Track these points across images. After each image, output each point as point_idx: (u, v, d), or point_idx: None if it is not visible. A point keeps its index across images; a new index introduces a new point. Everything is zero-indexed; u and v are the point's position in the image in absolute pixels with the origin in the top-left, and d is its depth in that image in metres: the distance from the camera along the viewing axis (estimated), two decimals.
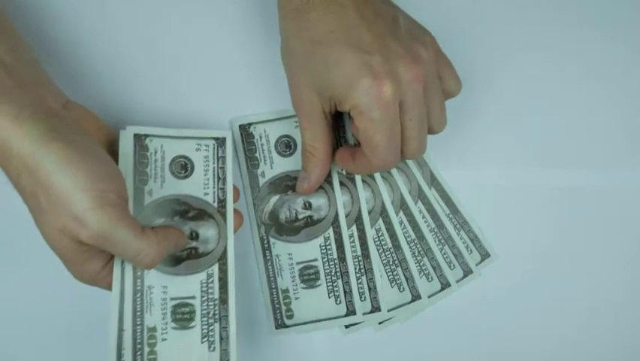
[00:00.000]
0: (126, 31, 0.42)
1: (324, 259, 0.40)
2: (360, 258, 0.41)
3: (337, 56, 0.33)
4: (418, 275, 0.42)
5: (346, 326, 0.41)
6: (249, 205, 0.41)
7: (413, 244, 0.42)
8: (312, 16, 0.34)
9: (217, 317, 0.36)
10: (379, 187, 0.42)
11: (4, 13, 0.35)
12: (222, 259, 0.37)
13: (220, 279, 0.36)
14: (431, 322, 0.42)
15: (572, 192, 0.43)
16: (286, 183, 0.41)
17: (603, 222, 0.43)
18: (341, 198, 0.41)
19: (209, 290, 0.36)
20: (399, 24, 0.35)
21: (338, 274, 0.40)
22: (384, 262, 0.42)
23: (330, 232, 0.40)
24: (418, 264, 0.42)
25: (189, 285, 0.36)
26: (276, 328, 0.40)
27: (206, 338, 0.35)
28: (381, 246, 0.42)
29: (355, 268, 0.41)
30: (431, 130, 0.37)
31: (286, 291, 0.40)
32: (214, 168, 0.38)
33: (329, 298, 0.40)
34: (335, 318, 0.40)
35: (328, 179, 0.41)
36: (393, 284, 0.42)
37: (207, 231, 0.37)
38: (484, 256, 0.43)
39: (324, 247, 0.40)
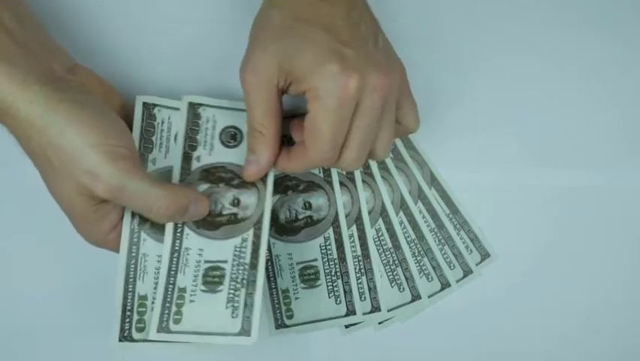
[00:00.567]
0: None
1: (324, 259, 0.40)
2: (360, 258, 0.41)
3: (316, 35, 0.32)
4: (418, 275, 0.42)
5: (346, 326, 0.41)
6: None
7: (413, 244, 0.42)
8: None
9: (245, 282, 0.36)
10: (379, 187, 0.42)
11: None
12: (258, 224, 0.37)
13: (253, 243, 0.36)
14: (431, 322, 0.42)
15: (572, 192, 0.43)
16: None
17: (603, 222, 0.43)
18: (341, 198, 0.41)
19: (242, 254, 0.36)
20: (378, 39, 0.35)
21: (338, 273, 0.40)
22: (384, 262, 0.42)
23: (330, 232, 0.40)
24: (418, 264, 0.42)
25: (224, 249, 0.36)
26: (276, 328, 0.40)
27: (230, 304, 0.36)
28: (381, 246, 0.42)
29: (355, 268, 0.41)
30: (372, 154, 0.36)
31: (286, 291, 0.40)
32: None
33: (329, 298, 0.40)
34: (335, 318, 0.40)
35: (327, 179, 0.41)
36: (393, 284, 0.42)
37: (249, 198, 0.37)
38: (484, 256, 0.43)
39: (324, 247, 0.40)
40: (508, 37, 0.45)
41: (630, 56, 0.45)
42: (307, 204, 0.41)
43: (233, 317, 0.36)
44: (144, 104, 0.38)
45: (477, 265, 0.43)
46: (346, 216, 0.41)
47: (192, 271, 0.36)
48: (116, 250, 0.35)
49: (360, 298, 0.40)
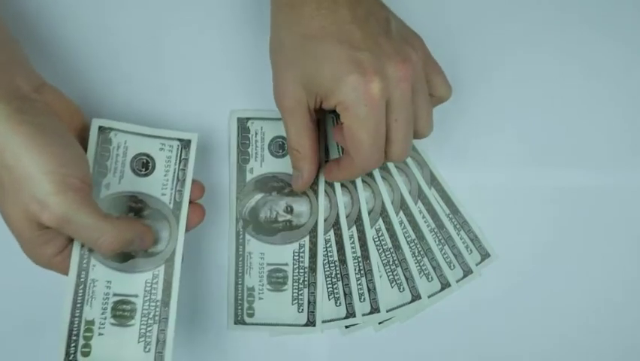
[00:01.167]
0: (115, 18, 0.42)
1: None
2: (359, 259, 0.41)
3: (327, 51, 0.33)
4: (418, 275, 0.42)
5: (346, 327, 0.41)
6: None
7: (413, 244, 0.42)
8: (304, 10, 0.34)
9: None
10: (379, 187, 0.42)
11: None
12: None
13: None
14: (431, 322, 0.42)
15: (572, 192, 0.43)
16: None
17: (603, 222, 0.43)
18: (342, 199, 0.41)
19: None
20: (390, 25, 0.35)
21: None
22: (384, 262, 0.42)
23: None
24: (418, 264, 0.42)
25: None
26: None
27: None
28: (381, 246, 0.42)
29: (355, 270, 0.41)
30: (417, 134, 0.36)
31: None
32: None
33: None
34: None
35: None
36: (393, 284, 0.42)
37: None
38: (484, 256, 0.43)
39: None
40: (509, 37, 0.45)
41: (631, 55, 0.45)
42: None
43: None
44: (100, 128, 0.37)
45: (477, 265, 0.43)
46: (347, 217, 0.41)
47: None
48: (62, 272, 0.35)
49: (360, 299, 0.40)
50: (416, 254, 0.42)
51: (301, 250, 0.40)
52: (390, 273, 0.42)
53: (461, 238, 0.43)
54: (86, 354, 0.35)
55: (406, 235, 0.42)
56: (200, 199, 0.38)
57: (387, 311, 0.41)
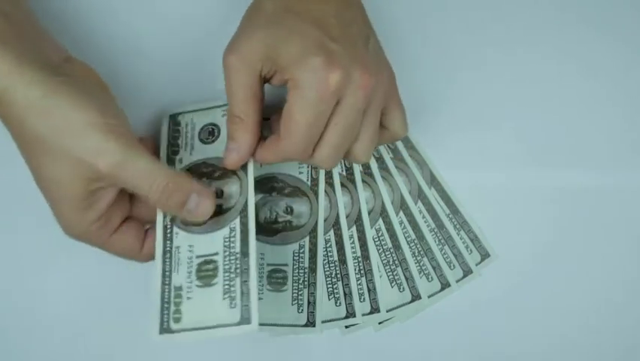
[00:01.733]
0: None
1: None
2: (359, 259, 0.41)
3: (303, 29, 0.33)
4: (418, 275, 0.42)
5: (346, 327, 0.41)
6: None
7: (413, 244, 0.42)
8: None
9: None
10: (379, 187, 0.42)
11: None
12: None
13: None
14: (431, 322, 0.42)
15: (572, 192, 0.43)
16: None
17: (603, 222, 0.43)
18: (342, 199, 0.41)
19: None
20: (369, 43, 0.35)
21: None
22: (384, 262, 0.42)
23: (306, 240, 0.40)
24: (418, 264, 0.42)
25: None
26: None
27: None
28: (381, 246, 0.42)
29: (355, 270, 0.41)
30: (351, 154, 0.35)
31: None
32: None
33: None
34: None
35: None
36: (393, 284, 0.42)
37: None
38: (484, 256, 0.43)
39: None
40: (508, 36, 0.45)
41: (630, 55, 0.45)
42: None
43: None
44: (170, 115, 0.40)
45: (477, 265, 0.43)
46: (347, 217, 0.41)
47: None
48: (96, 243, 0.34)
49: (360, 299, 0.40)
50: (416, 254, 0.42)
51: (301, 251, 0.40)
52: (390, 273, 0.42)
53: (461, 238, 0.43)
54: (177, 320, 0.35)
55: (406, 235, 0.42)
56: None
57: (387, 311, 0.41)
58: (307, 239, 0.40)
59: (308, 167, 0.41)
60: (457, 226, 0.43)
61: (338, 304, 0.40)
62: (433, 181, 0.43)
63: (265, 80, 0.34)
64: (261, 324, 0.38)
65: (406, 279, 0.42)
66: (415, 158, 0.43)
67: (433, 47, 0.44)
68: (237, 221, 0.36)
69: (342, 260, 0.41)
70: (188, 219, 0.35)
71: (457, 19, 0.45)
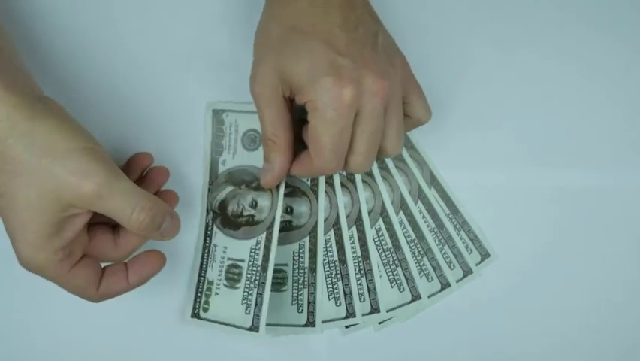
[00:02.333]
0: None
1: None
2: (359, 259, 0.41)
3: (310, 48, 0.33)
4: (418, 275, 0.42)
5: (346, 327, 0.41)
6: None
7: (413, 244, 0.42)
8: (297, 5, 0.34)
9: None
10: (379, 187, 0.42)
11: None
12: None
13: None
14: (431, 322, 0.42)
15: (572, 192, 0.43)
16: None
17: (603, 222, 0.43)
18: (342, 198, 0.41)
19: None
20: (378, 39, 0.35)
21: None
22: (384, 262, 0.42)
23: (306, 240, 0.41)
24: (418, 264, 0.42)
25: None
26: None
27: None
28: (381, 246, 0.42)
29: (355, 270, 0.41)
30: (383, 151, 0.36)
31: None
32: None
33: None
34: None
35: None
36: (393, 284, 0.42)
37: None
38: (484, 256, 0.43)
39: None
40: (508, 36, 0.45)
41: (630, 55, 0.45)
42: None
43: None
44: (213, 110, 0.41)
45: (477, 265, 0.43)
46: (347, 217, 0.41)
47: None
48: (53, 276, 0.33)
49: (360, 299, 0.40)
50: (416, 254, 0.42)
51: (301, 251, 0.40)
52: (390, 273, 0.42)
53: (461, 238, 0.43)
54: (205, 310, 0.40)
55: (406, 235, 0.42)
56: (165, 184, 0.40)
57: (387, 311, 0.41)
58: (307, 239, 0.40)
59: None
60: (457, 226, 0.43)
61: (338, 304, 0.40)
62: (433, 181, 0.43)
63: (291, 100, 0.35)
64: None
65: (406, 279, 0.42)
66: (415, 158, 0.43)
67: (432, 47, 0.44)
68: (263, 236, 0.39)
69: (342, 260, 0.41)
70: (157, 239, 0.35)
71: (457, 19, 0.45)
